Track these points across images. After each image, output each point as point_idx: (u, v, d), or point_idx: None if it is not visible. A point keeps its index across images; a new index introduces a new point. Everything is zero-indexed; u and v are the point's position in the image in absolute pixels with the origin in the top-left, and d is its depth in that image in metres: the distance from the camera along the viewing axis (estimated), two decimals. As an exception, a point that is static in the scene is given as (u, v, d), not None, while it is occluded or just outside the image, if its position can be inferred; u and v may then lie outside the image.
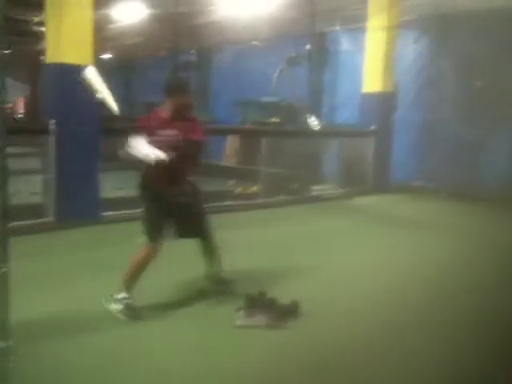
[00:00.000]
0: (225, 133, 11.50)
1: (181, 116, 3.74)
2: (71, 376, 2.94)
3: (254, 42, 13.78)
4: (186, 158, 3.78)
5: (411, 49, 10.75)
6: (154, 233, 3.79)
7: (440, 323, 3.86)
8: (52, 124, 6.15)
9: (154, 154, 3.52)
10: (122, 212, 6.66)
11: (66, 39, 6.17)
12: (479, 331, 3.74)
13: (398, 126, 10.33)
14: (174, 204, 3.80)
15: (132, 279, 3.76)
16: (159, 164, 3.54)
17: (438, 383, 3.03)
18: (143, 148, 3.58)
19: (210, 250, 4.11)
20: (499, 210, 8.18)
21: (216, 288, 4.19)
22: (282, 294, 4.01)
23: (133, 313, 3.69)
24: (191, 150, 3.73)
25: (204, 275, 4.23)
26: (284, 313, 3.77)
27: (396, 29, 9.96)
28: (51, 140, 6.18)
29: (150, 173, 3.77)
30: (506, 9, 8.72)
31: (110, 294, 3.77)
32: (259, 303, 3.91)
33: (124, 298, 3.72)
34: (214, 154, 13.01)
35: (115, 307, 3.72)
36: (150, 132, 3.69)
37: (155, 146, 3.62)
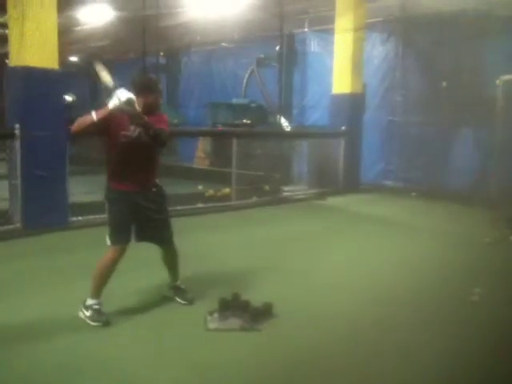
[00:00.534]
0: (196, 135, 11.45)
1: (149, 113, 3.65)
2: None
3: (223, 44, 13.75)
4: (152, 154, 3.78)
5: (379, 50, 10.90)
6: (120, 235, 3.71)
7: (420, 321, 3.89)
8: (17, 128, 6.01)
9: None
10: (92, 217, 6.56)
11: (30, 42, 6.01)
12: (452, 324, 3.80)
13: (368, 127, 10.46)
14: (138, 206, 3.74)
15: (100, 284, 3.70)
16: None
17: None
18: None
19: (169, 258, 4.05)
20: (468, 208, 8.36)
21: (174, 296, 4.13)
22: (256, 296, 4.00)
23: (101, 318, 3.62)
24: (157, 139, 3.63)
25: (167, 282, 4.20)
26: (258, 315, 3.76)
27: (363, 30, 10.08)
28: (16, 145, 6.04)
29: (116, 173, 3.72)
30: (469, 11, 8.93)
31: (79, 301, 3.70)
32: (233, 306, 3.89)
33: (92, 304, 3.65)
34: (186, 156, 12.99)
35: (84, 313, 3.65)
36: (117, 126, 3.58)
37: (122, 141, 3.60)
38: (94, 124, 3.50)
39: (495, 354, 3.37)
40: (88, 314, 3.64)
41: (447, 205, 8.71)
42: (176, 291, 4.12)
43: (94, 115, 3.49)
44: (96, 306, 3.65)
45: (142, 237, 3.86)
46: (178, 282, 4.14)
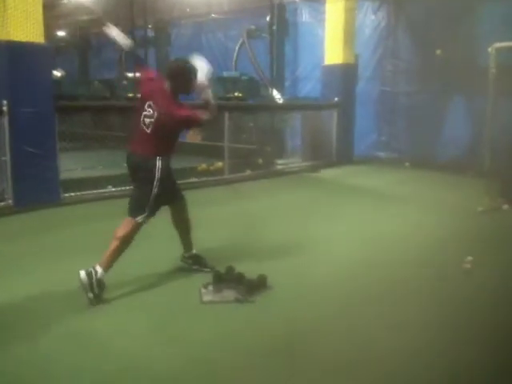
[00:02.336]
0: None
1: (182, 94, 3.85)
2: (33, 362, 2.87)
3: (212, 15, 13.51)
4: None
5: (371, 20, 10.75)
6: (154, 210, 3.79)
7: (413, 292, 3.90)
8: (4, 105, 5.92)
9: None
10: (84, 193, 6.53)
11: (14, 15, 5.86)
12: (444, 291, 3.83)
13: (360, 98, 10.38)
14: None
15: (116, 257, 3.68)
16: None
17: (402, 359, 3.06)
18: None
19: (182, 217, 4.14)
20: (461, 177, 8.37)
21: (191, 265, 4.20)
22: (251, 269, 4.00)
23: (97, 291, 3.55)
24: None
25: (182, 253, 4.25)
26: (252, 287, 3.76)
27: (355, -1, 9.93)
28: (4, 121, 5.95)
29: (170, 152, 3.87)
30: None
31: (73, 277, 3.67)
32: (227, 278, 3.90)
33: (99, 274, 3.56)
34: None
35: (91, 282, 3.53)
36: (149, 91, 3.81)
37: (148, 113, 3.75)
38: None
39: (487, 322, 3.40)
40: (94, 283, 3.54)
41: (441, 174, 8.73)
42: (196, 260, 4.22)
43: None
44: (100, 276, 3.56)
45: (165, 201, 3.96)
46: (194, 251, 4.23)
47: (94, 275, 3.54)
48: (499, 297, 3.83)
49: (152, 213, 3.80)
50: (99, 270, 3.57)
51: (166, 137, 3.82)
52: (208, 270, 4.13)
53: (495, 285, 4.03)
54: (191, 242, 4.23)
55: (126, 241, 3.73)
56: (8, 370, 2.79)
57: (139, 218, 3.74)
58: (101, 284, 3.57)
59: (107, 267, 3.63)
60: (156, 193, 3.76)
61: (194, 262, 4.22)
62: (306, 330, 3.26)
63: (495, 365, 2.90)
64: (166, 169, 3.81)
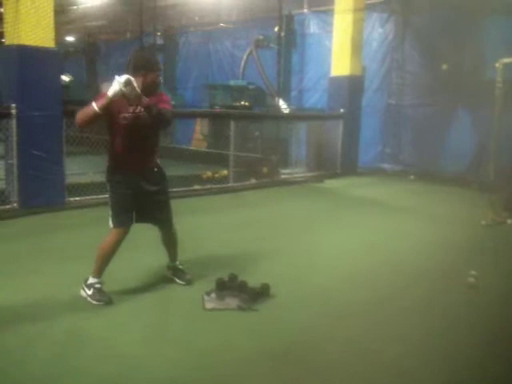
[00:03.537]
0: (194, 116, 11.39)
1: (149, 93, 3.63)
2: (33, 363, 2.87)
3: (221, 25, 13.61)
4: (151, 135, 3.76)
5: (378, 32, 10.80)
6: (122, 218, 3.71)
7: (414, 302, 3.90)
8: (13, 108, 5.96)
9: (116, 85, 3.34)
10: (89, 197, 6.56)
11: (25, 20, 5.93)
12: (446, 305, 3.82)
13: (366, 110, 10.41)
14: (139, 187, 3.73)
15: (102, 264, 3.70)
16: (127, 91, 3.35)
17: (403, 364, 3.06)
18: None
19: (168, 239, 4.04)
20: (466, 190, 8.37)
21: (173, 276, 4.13)
22: (253, 277, 4.00)
23: (103, 297, 3.62)
24: (162, 119, 3.65)
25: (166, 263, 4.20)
26: (255, 295, 3.76)
27: (363, 11, 9.97)
28: (12, 124, 5.99)
29: (117, 155, 3.69)
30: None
31: (78, 280, 3.70)
32: (230, 286, 3.90)
33: (94, 283, 3.66)
34: (183, 138, 12.93)
35: (86, 292, 3.66)
36: (116, 108, 3.54)
37: (122, 123, 3.58)
38: (98, 115, 3.45)
39: (488, 330, 3.40)
40: (90, 292, 3.64)
41: (445, 187, 8.72)
42: (175, 272, 4.12)
43: (95, 106, 3.43)
44: (98, 285, 3.65)
45: (143, 218, 3.84)
46: (177, 263, 4.14)
47: (89, 286, 3.65)
48: (499, 304, 3.86)
49: (116, 219, 3.69)
50: (91, 279, 3.66)
51: (110, 136, 3.73)
52: (182, 283, 4.06)
53: (497, 295, 4.03)
54: (175, 255, 4.14)
55: (102, 247, 3.71)
56: (7, 371, 2.79)
57: (110, 224, 3.72)
58: (102, 291, 3.64)
59: (96, 274, 3.69)
60: (110, 196, 3.73)
61: (173, 273, 4.14)
62: (308, 339, 3.26)
63: (496, 373, 2.90)
64: (112, 172, 3.74)
